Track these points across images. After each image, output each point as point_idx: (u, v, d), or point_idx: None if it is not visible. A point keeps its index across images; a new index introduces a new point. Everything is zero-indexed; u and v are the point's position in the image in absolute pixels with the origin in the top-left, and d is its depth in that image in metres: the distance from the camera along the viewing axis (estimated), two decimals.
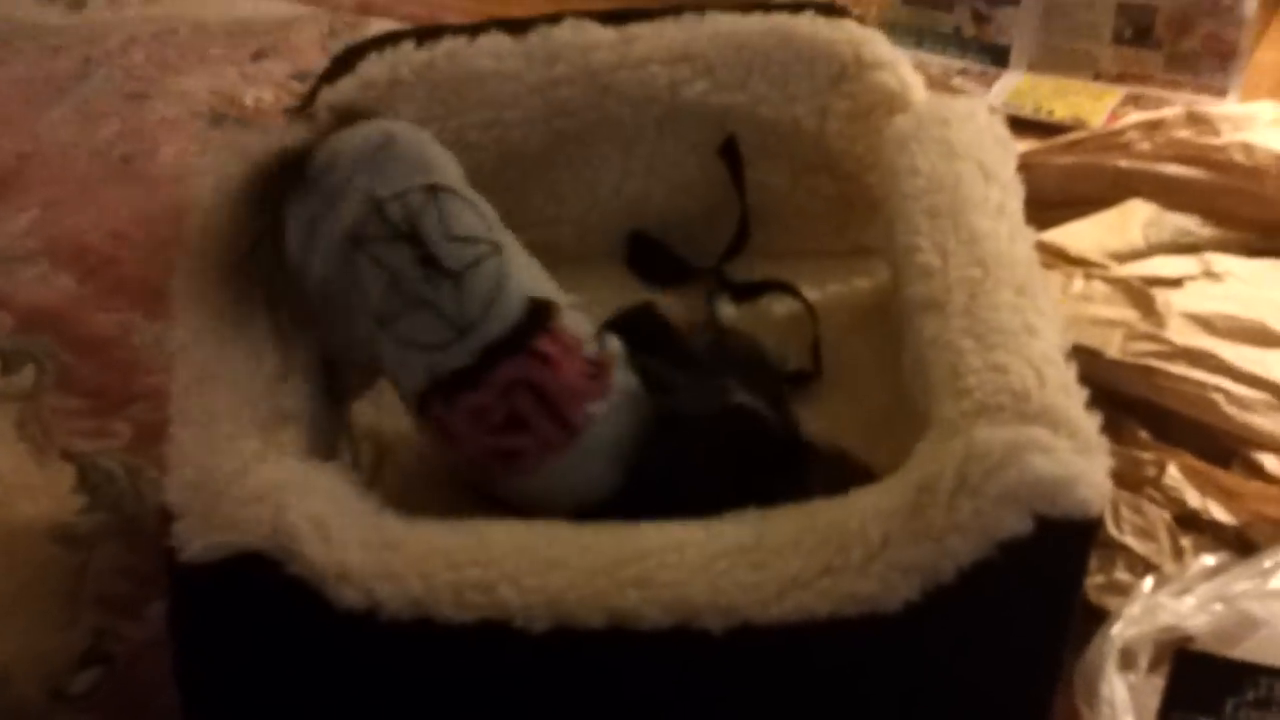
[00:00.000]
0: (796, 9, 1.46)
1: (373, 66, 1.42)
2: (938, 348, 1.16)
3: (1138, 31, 2.04)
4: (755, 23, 1.44)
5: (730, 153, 1.44)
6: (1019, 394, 1.09)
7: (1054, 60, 2.09)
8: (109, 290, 1.86)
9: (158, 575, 1.47)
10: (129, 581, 1.49)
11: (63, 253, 1.92)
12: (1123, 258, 1.63)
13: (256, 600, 1.07)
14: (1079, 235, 1.65)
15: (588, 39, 1.43)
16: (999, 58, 2.12)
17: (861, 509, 1.08)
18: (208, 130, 2.15)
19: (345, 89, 1.41)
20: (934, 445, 1.10)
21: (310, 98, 1.43)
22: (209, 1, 2.47)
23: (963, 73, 2.12)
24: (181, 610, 1.11)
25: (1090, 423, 1.08)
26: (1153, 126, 1.73)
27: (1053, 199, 1.66)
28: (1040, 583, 1.09)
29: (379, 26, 2.29)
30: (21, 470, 1.61)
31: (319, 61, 2.25)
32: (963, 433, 1.08)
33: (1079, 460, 1.05)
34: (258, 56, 2.32)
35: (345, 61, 1.44)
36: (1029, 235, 1.24)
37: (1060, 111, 2.01)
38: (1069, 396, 1.10)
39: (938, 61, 2.11)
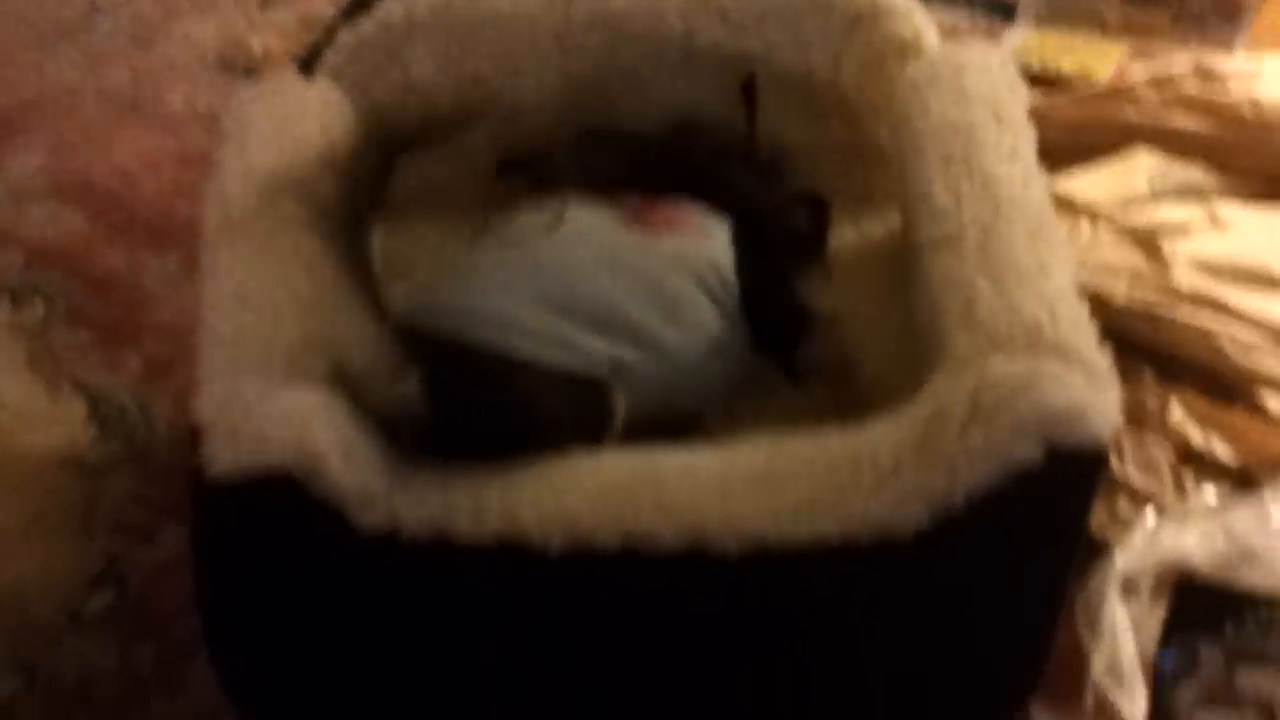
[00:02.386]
0: None
1: (390, 8, 1.42)
2: (951, 286, 1.18)
3: None
4: None
5: (749, 91, 1.45)
6: (1031, 329, 1.11)
7: (1060, 15, 2.10)
8: (118, 229, 1.87)
9: (170, 503, 1.50)
10: (142, 509, 1.51)
11: (71, 192, 1.93)
12: (1129, 207, 1.64)
13: (280, 519, 1.08)
14: (1086, 185, 1.67)
15: None
16: (1006, 13, 2.13)
17: (874, 437, 1.10)
18: (215, 76, 2.16)
19: (363, 30, 1.42)
20: (947, 378, 1.12)
21: (329, 37, 1.44)
22: None
23: (969, 28, 2.12)
24: (206, 527, 1.12)
25: (1101, 357, 1.10)
26: (1161, 80, 1.74)
27: (1061, 151, 1.67)
28: (1049, 511, 1.11)
29: None
30: (33, 402, 1.63)
31: (326, 9, 2.28)
32: (976, 365, 1.09)
33: (1089, 391, 1.07)
34: (266, 4, 2.33)
35: (363, 3, 1.44)
36: (1042, 179, 1.26)
37: (1066, 66, 2.01)
38: (1080, 331, 1.11)
39: (945, 17, 2.12)
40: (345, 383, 1.15)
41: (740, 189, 1.33)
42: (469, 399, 1.15)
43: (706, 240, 1.28)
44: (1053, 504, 1.11)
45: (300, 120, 1.35)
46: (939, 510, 1.06)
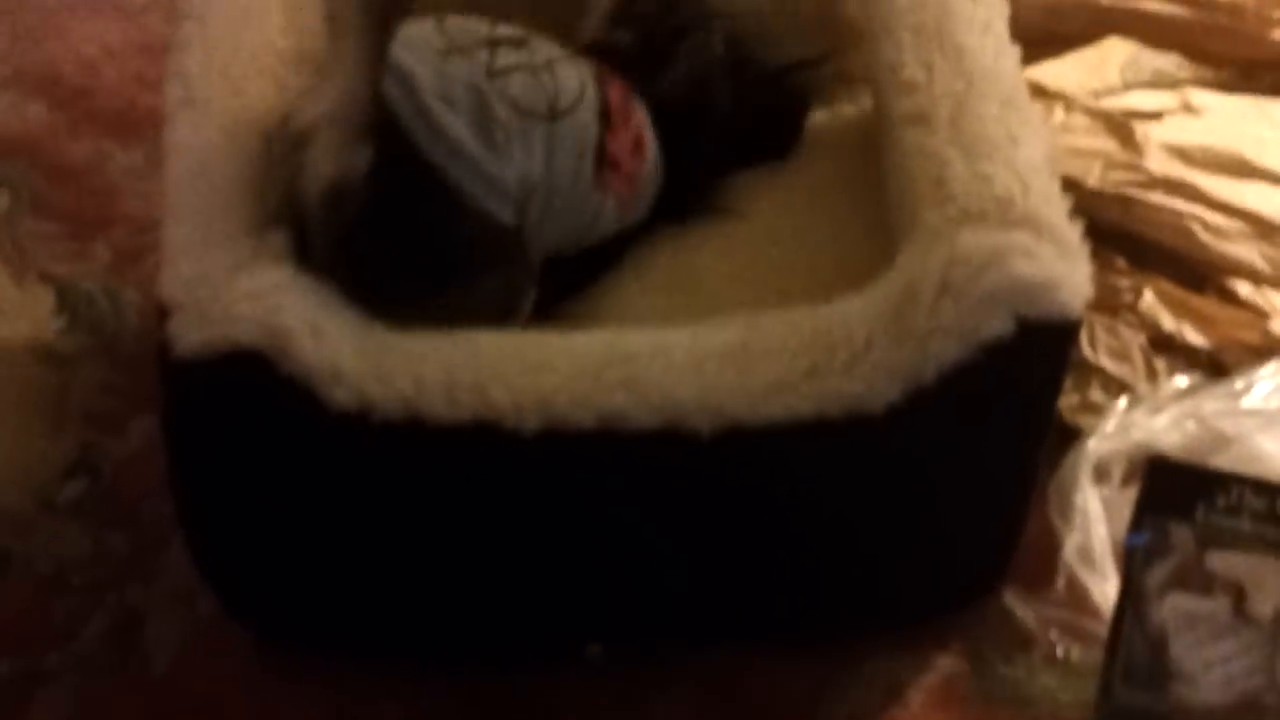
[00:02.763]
0: None
1: None
2: (922, 158, 1.17)
3: None
4: None
5: None
6: (1003, 201, 1.11)
7: None
8: (82, 119, 1.83)
9: (140, 392, 1.49)
10: (112, 398, 1.50)
11: (33, 82, 1.89)
12: (1100, 96, 1.64)
13: (250, 399, 1.08)
14: (1057, 73, 1.66)
15: None
16: None
17: (846, 313, 1.10)
18: None
19: None
20: (917, 251, 1.12)
21: None
22: None
23: None
24: (175, 408, 1.12)
25: (1072, 230, 1.10)
26: None
27: (1034, 37, 1.64)
28: (1020, 385, 1.12)
29: None
30: (0, 292, 1.61)
31: None
32: (946, 238, 1.10)
33: (1060, 264, 1.07)
34: None
35: None
36: (1014, 52, 1.25)
37: None
38: (1052, 204, 1.12)
39: None
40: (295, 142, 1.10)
41: None
42: (411, 216, 1.11)
43: None
44: (1024, 378, 1.12)
45: None
46: (911, 385, 1.07)
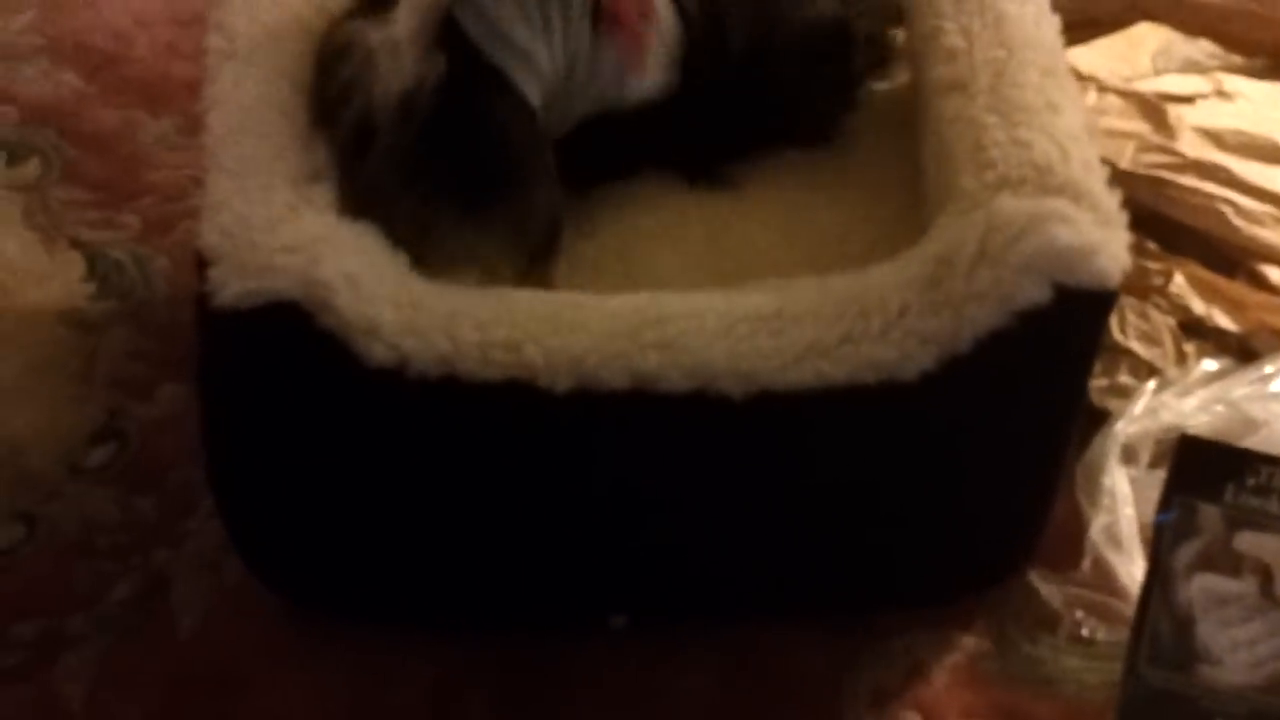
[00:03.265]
0: None
1: None
2: (961, 125, 1.17)
3: None
4: None
5: None
6: (1042, 168, 1.10)
7: None
8: (113, 88, 1.84)
9: (168, 359, 1.50)
10: (140, 364, 1.50)
11: (65, 51, 1.90)
12: (1132, 81, 1.63)
13: (287, 350, 1.08)
14: (1088, 59, 1.65)
15: None
16: None
17: (881, 279, 1.10)
18: None
19: None
20: (955, 217, 1.11)
21: None
22: None
23: None
24: (211, 360, 1.12)
25: (1111, 198, 1.10)
26: None
27: (1067, 22, 1.65)
28: (1055, 354, 1.11)
29: None
30: (30, 257, 1.62)
31: None
32: (984, 204, 1.09)
33: (1099, 232, 1.07)
34: None
35: None
36: (1054, 20, 1.26)
37: None
38: (1090, 172, 1.11)
39: None
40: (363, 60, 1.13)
41: None
42: (479, 119, 1.16)
43: None
44: (1059, 347, 1.11)
45: None
46: (946, 353, 1.07)
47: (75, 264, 1.61)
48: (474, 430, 1.11)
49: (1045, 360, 1.10)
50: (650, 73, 1.28)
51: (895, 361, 1.06)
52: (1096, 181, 1.10)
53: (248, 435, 1.15)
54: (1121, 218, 1.08)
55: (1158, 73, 1.66)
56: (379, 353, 1.06)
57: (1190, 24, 1.67)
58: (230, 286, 1.04)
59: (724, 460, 1.13)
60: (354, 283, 1.06)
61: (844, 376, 1.06)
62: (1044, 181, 1.09)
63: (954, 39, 1.22)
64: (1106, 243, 1.06)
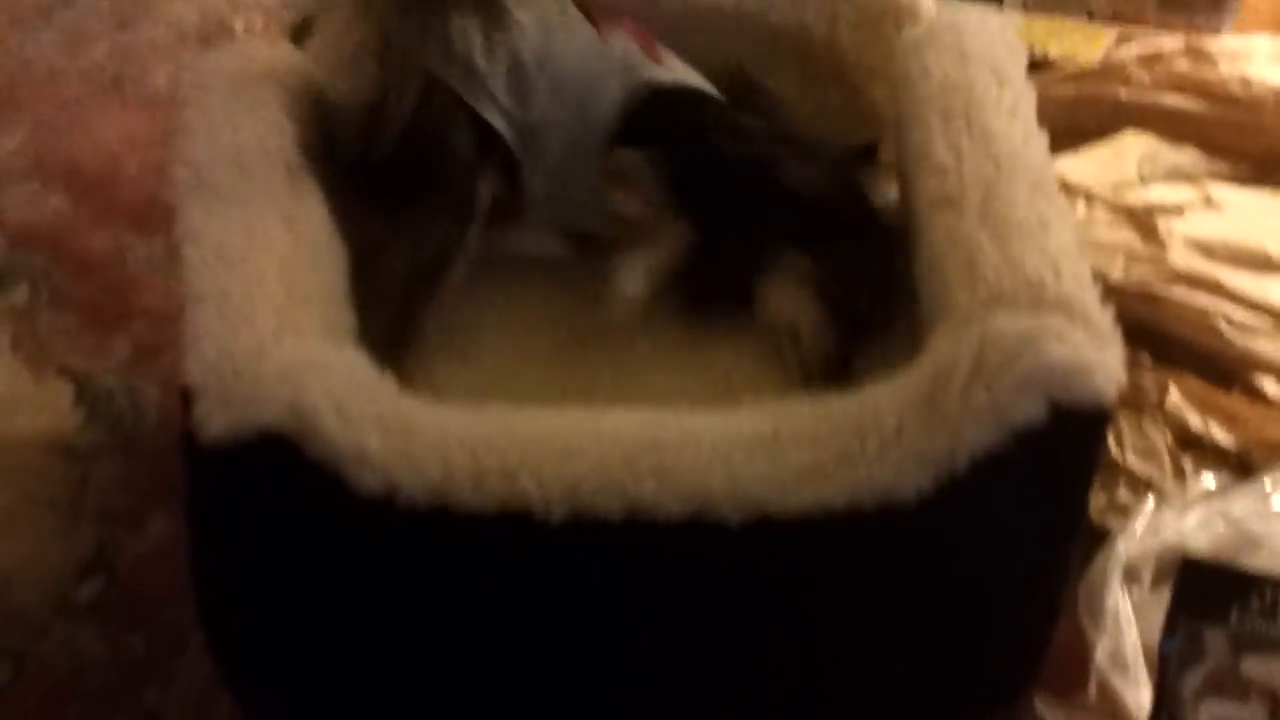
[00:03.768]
0: None
1: None
2: (952, 242, 1.17)
3: None
4: None
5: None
6: (1034, 285, 1.10)
7: (1048, 1, 2.09)
8: (102, 211, 1.85)
9: (158, 489, 1.49)
10: (129, 495, 1.49)
11: (54, 173, 1.91)
12: (1119, 191, 1.64)
13: (275, 482, 1.06)
14: (1075, 168, 1.66)
15: None
16: None
17: (876, 399, 1.09)
18: (198, 54, 2.13)
19: None
20: (949, 334, 1.11)
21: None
22: None
23: None
24: (200, 492, 1.10)
25: (1104, 314, 1.09)
26: (1151, 59, 1.74)
27: (1052, 130, 1.66)
28: (1053, 472, 1.10)
29: None
30: (18, 386, 1.61)
31: None
32: (978, 321, 1.08)
33: (1093, 349, 1.06)
34: None
35: None
36: (1041, 136, 1.26)
37: (1055, 51, 2.00)
38: (1083, 288, 1.11)
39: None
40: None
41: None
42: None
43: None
44: (1057, 464, 1.10)
45: (259, 78, 1.33)
46: (943, 473, 1.05)
47: (64, 392, 1.60)
48: (466, 558, 1.09)
49: (1043, 479, 1.09)
50: (677, 74, 1.32)
51: (893, 482, 1.05)
52: (1089, 298, 1.09)
53: (238, 568, 1.13)
54: (1116, 334, 1.08)
55: (1144, 179, 1.66)
56: (368, 481, 1.04)
57: (1176, 132, 1.67)
58: (217, 420, 1.03)
59: (720, 584, 1.11)
60: (340, 408, 1.05)
61: (842, 499, 1.05)
62: (1037, 298, 1.08)
63: (943, 155, 1.22)
64: (1101, 360, 1.05)
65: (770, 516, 1.06)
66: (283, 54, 1.39)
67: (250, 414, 1.03)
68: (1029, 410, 1.04)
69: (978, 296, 1.11)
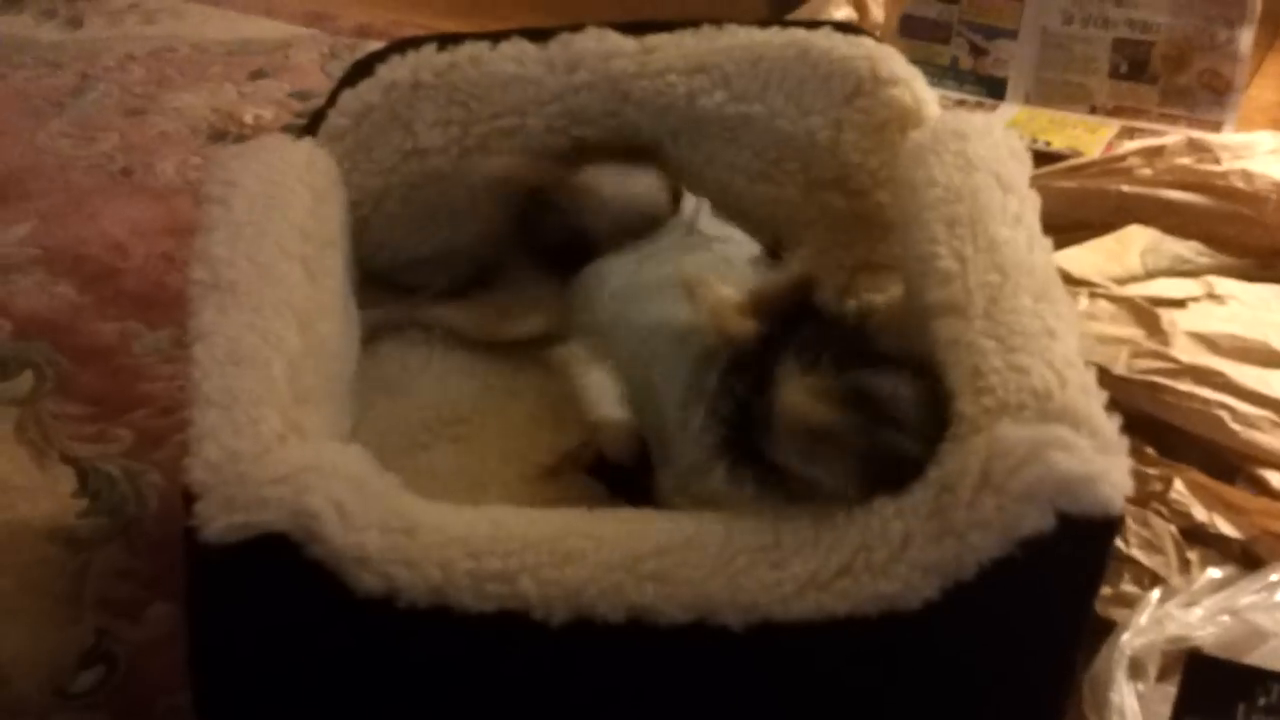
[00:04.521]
0: (813, 26, 1.47)
1: (394, 69, 1.43)
2: (958, 349, 1.17)
3: (1133, 66, 2.07)
4: (773, 36, 1.45)
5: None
6: (1040, 394, 1.10)
7: (1050, 93, 2.12)
8: (108, 300, 1.85)
9: (159, 578, 1.48)
10: (130, 584, 1.48)
11: (61, 262, 1.92)
12: (1122, 283, 1.64)
13: (276, 582, 1.06)
14: (1078, 260, 1.66)
15: (609, 47, 1.44)
16: (995, 90, 2.15)
17: (881, 507, 1.09)
18: (206, 145, 2.15)
19: (365, 92, 1.42)
20: (954, 443, 1.10)
21: (331, 100, 1.44)
22: (208, 21, 2.48)
23: (959, 104, 2.14)
24: (200, 591, 1.10)
25: (1110, 423, 1.09)
26: (1154, 153, 1.75)
27: (1054, 223, 1.65)
28: (1060, 581, 1.09)
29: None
30: (21, 473, 1.60)
31: (318, 81, 2.29)
32: (985, 430, 1.08)
33: (1100, 458, 1.06)
34: (257, 75, 2.33)
35: (365, 66, 1.45)
36: (1046, 244, 1.26)
37: (1057, 143, 2.02)
38: (1089, 397, 1.10)
39: (935, 93, 2.12)
40: None
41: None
42: None
43: None
44: (1064, 573, 1.09)
45: (285, 177, 1.34)
46: (949, 583, 1.05)
47: (66, 479, 1.60)
48: (467, 658, 1.09)
49: (1050, 587, 1.08)
50: None
51: (898, 593, 1.05)
52: (1095, 407, 1.09)
53: (236, 665, 1.12)
54: (1122, 444, 1.07)
55: (1147, 270, 1.66)
56: (368, 582, 1.04)
57: (1179, 226, 1.68)
58: (218, 521, 1.03)
59: (724, 689, 1.11)
60: (341, 510, 1.05)
61: (845, 609, 1.05)
62: (1043, 408, 1.08)
63: (948, 263, 1.22)
64: (1108, 470, 1.04)
65: (772, 623, 1.06)
66: (307, 150, 1.40)
67: (251, 516, 1.04)
68: (1036, 520, 1.04)
69: (983, 404, 1.11)
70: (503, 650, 1.08)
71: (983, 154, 1.33)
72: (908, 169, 1.37)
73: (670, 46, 1.44)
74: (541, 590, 1.05)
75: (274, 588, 1.06)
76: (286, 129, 2.17)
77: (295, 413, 1.13)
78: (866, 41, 1.46)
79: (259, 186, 1.31)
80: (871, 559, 1.06)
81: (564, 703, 1.12)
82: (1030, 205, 1.29)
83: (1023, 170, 1.33)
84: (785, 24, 1.49)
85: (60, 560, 1.51)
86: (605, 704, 1.12)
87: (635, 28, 1.46)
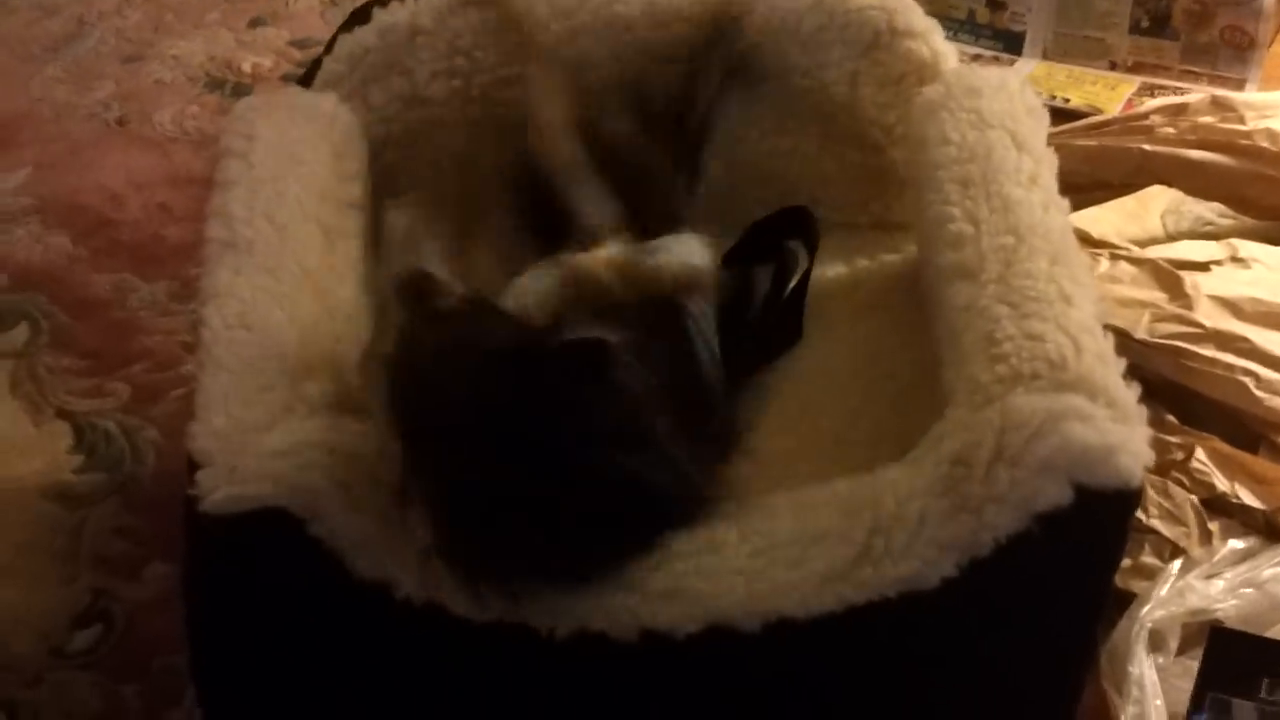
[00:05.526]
0: None
1: (392, 13, 1.38)
2: (970, 315, 1.13)
3: (1155, 21, 2.02)
4: None
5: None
6: (1055, 362, 1.06)
7: (1069, 48, 2.07)
8: (104, 251, 1.82)
9: (156, 536, 1.45)
10: (127, 541, 1.45)
11: (56, 212, 1.88)
12: (1142, 244, 1.61)
13: (275, 557, 1.03)
14: (1098, 221, 1.63)
15: None
16: (1012, 44, 2.10)
17: (894, 484, 1.05)
18: (204, 94, 2.11)
19: (362, 36, 1.37)
20: (966, 413, 1.07)
21: (328, 46, 1.40)
22: None
23: (976, 59, 2.09)
24: (198, 562, 1.07)
25: (1128, 392, 1.05)
26: (1176, 111, 1.71)
27: (1074, 182, 1.61)
28: (1078, 555, 1.06)
29: None
30: (16, 428, 1.58)
31: (318, 28, 2.24)
32: (997, 400, 1.05)
33: (1118, 429, 1.01)
34: (255, 23, 2.29)
35: (363, 11, 1.40)
36: (1063, 205, 1.21)
37: (1076, 99, 1.99)
38: (1106, 365, 1.06)
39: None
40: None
41: None
42: None
43: None
44: (1082, 546, 1.05)
45: (305, 133, 1.30)
46: (965, 559, 1.01)
47: (62, 434, 1.57)
48: (461, 657, 1.05)
49: (1069, 560, 1.05)
50: None
51: (916, 574, 1.01)
52: (1113, 375, 1.05)
53: (234, 637, 1.09)
54: (1141, 413, 1.03)
55: (1168, 232, 1.63)
56: (365, 568, 1.01)
57: (1202, 187, 1.64)
58: (219, 491, 1.00)
59: (738, 688, 1.06)
60: (344, 489, 1.01)
61: (865, 597, 1.01)
62: (1058, 377, 1.04)
63: (961, 225, 1.18)
64: (1126, 440, 1.00)
65: (790, 620, 1.01)
66: (329, 105, 1.35)
67: (252, 489, 1.00)
68: (1053, 494, 1.00)
69: (996, 372, 1.07)
70: (500, 655, 1.04)
71: (997, 111, 1.29)
72: (920, 125, 1.32)
73: None
74: (541, 611, 1.01)
75: (273, 562, 1.03)
76: (285, 78, 2.14)
77: (305, 385, 1.09)
78: None
79: (280, 141, 1.27)
80: (890, 543, 1.02)
81: (567, 703, 1.07)
82: (1046, 165, 1.25)
83: (1039, 128, 1.29)
84: None
85: (56, 517, 1.48)
86: (611, 711, 1.08)
87: None
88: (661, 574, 1.02)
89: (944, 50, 1.41)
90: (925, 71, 1.39)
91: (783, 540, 1.03)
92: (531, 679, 1.05)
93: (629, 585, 1.01)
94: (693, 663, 1.03)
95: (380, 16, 1.39)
